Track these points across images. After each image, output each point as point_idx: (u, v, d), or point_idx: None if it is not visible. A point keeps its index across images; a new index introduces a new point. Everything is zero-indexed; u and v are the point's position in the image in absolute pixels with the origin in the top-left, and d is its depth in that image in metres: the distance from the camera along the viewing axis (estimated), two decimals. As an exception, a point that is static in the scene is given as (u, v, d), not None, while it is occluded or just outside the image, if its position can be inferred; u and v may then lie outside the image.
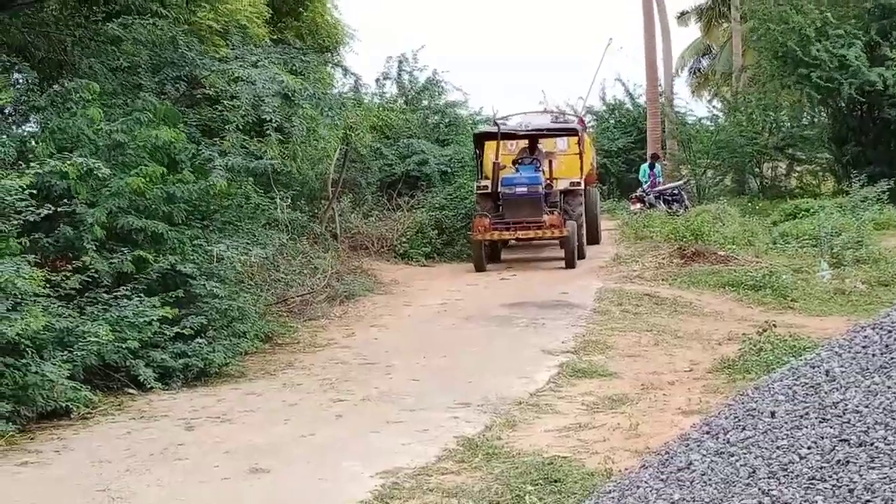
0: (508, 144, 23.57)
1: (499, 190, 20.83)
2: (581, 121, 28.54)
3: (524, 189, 20.54)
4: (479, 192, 21.80)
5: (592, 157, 26.93)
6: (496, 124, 23.52)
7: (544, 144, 23.55)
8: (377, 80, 28.28)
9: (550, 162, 22.35)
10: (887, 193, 24.74)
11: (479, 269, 20.14)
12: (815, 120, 34.53)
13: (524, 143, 23.53)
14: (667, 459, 5.47)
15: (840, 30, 28.68)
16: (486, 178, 22.12)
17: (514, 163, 22.00)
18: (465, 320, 14.40)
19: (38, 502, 6.82)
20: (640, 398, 9.33)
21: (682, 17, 50.06)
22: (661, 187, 31.44)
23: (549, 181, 21.48)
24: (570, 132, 24.16)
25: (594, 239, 23.95)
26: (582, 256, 20.92)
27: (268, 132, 12.58)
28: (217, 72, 13.21)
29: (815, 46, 28.47)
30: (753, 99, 34.93)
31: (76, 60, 12.30)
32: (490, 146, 22.78)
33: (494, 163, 21.45)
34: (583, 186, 22.54)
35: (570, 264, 20.00)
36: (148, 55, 13.06)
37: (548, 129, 23.89)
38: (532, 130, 23.14)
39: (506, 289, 17.81)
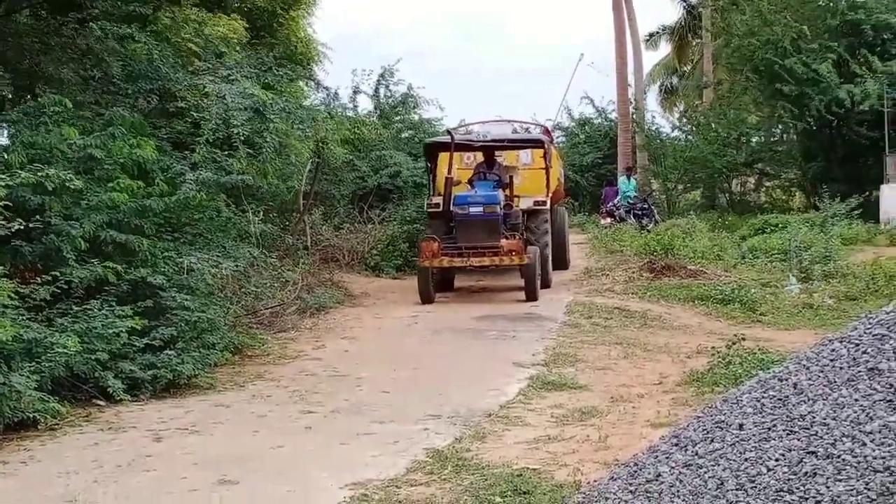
0: (465, 157, 21.04)
1: (451, 209, 18.18)
2: (547, 131, 25.53)
3: (479, 209, 17.87)
4: (429, 210, 19.50)
5: (560, 173, 24.28)
6: (449, 133, 20.16)
7: (505, 157, 21.00)
8: (351, 94, 28.17)
9: (511, 178, 19.68)
10: (856, 209, 24.90)
11: (426, 300, 17.44)
12: (785, 136, 34.69)
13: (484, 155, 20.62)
14: (635, 471, 5.47)
15: (814, 44, 28.84)
16: (440, 194, 19.33)
17: (470, 179, 19.41)
18: (436, 333, 14.38)
19: (4, 514, 6.76)
20: (609, 411, 9.33)
21: (651, 39, 50.14)
22: (611, 203, 31.64)
23: (509, 200, 18.96)
24: (535, 144, 21.08)
25: (562, 264, 21.47)
26: (546, 285, 18.45)
27: (235, 144, 12.53)
28: (189, 86, 13.18)
29: (791, 59, 28.60)
30: (723, 114, 35.03)
31: (49, 70, 12.23)
32: (444, 158, 19.96)
33: (447, 178, 18.76)
34: (549, 206, 19.94)
35: (530, 296, 17.31)
36: (121, 66, 13.01)
37: (509, 140, 20.66)
38: (490, 141, 19.94)
39: (476, 302, 17.87)
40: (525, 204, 19.45)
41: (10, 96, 11.78)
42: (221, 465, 7.72)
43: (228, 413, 9.66)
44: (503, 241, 17.50)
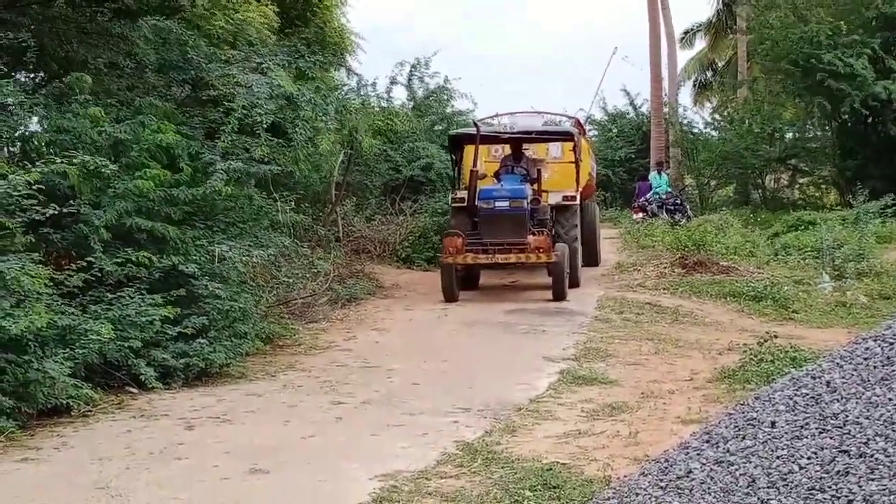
0: (492, 150, 20.59)
1: (476, 204, 17.41)
2: (578, 123, 23.89)
3: (505, 203, 17.19)
4: (454, 204, 18.53)
5: (592, 167, 23.12)
6: (475, 125, 19.20)
7: (535, 150, 20.44)
8: (387, 86, 28.05)
9: (539, 171, 18.93)
10: (892, 208, 24.70)
11: (449, 298, 16.84)
12: (819, 133, 34.41)
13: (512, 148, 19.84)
14: (666, 467, 5.47)
15: (849, 39, 28.56)
16: (465, 188, 18.43)
17: (496, 172, 18.75)
18: (466, 326, 14.41)
19: (37, 499, 6.80)
20: (639, 406, 9.32)
21: (686, 36, 49.84)
22: (643, 198, 31.49)
23: (537, 194, 18.12)
24: (565, 136, 20.20)
25: (593, 261, 20.77)
26: (575, 284, 17.67)
27: (258, 132, 12.54)
28: (221, 76, 13.22)
29: (829, 54, 28.34)
30: (757, 109, 34.81)
31: (83, 59, 12.30)
32: (470, 151, 18.71)
33: (472, 171, 17.86)
34: (578, 201, 18.93)
35: (558, 296, 16.63)
36: (155, 56, 13.06)
37: (537, 133, 19.64)
38: (518, 133, 19.38)
39: (507, 295, 17.85)
40: (554, 199, 18.60)
41: (44, 83, 11.83)
42: (252, 454, 7.77)
43: (260, 402, 9.71)
44: (530, 238, 16.79)
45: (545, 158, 20.60)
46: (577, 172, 19.31)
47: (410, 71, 28.68)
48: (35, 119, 11.03)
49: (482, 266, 17.93)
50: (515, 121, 21.36)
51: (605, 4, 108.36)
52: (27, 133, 10.98)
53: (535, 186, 18.38)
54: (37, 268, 8.75)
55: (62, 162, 9.72)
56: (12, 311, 8.33)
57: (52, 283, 9.16)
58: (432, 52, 30.02)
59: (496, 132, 19.80)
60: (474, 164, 17.81)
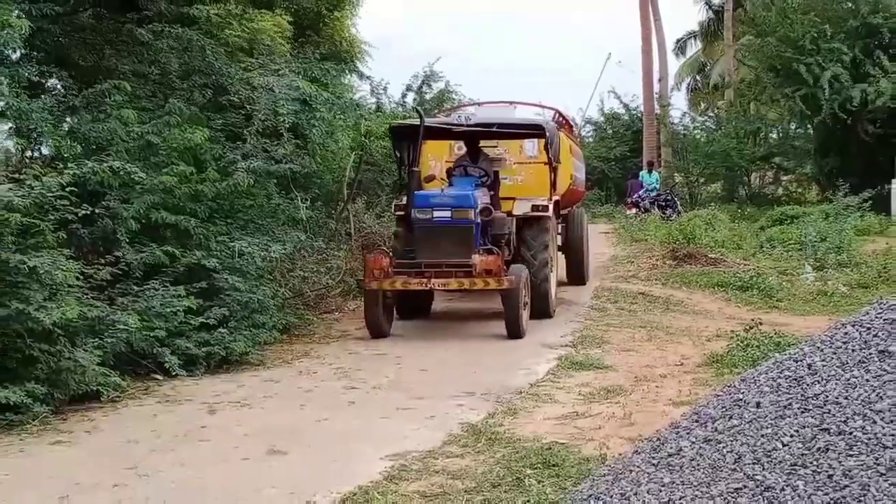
0: (455, 147, 15.51)
1: (411, 212, 13.02)
2: (561, 116, 18.61)
3: (446, 214, 12.74)
4: (397, 213, 14.56)
5: (576, 167, 17.60)
6: (418, 113, 15.51)
7: (508, 148, 15.63)
8: (402, 91, 27.94)
9: (496, 173, 14.32)
10: (869, 202, 24.73)
11: (375, 333, 12.60)
12: (802, 132, 34.39)
13: (492, 145, 15.25)
14: (658, 446, 5.48)
15: (833, 44, 28.50)
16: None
17: (448, 174, 14.50)
18: (471, 315, 14.41)
19: (70, 479, 6.82)
20: (633, 389, 9.36)
21: (678, 44, 49.91)
22: (636, 194, 31.58)
23: (487, 203, 13.38)
24: (532, 131, 14.73)
25: (578, 278, 17.28)
26: (545, 314, 13.54)
27: (281, 132, 12.56)
28: (241, 80, 13.24)
29: (808, 61, 28.26)
30: (743, 110, 34.85)
31: (111, 65, 12.33)
32: (429, 146, 15.16)
33: (410, 171, 13.68)
34: (552, 212, 14.25)
35: (512, 332, 12.39)
36: (178, 63, 13.09)
37: (498, 125, 14.30)
38: (472, 125, 14.21)
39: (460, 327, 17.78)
40: (521, 209, 14.08)
41: (74, 91, 11.85)
42: (271, 436, 7.80)
43: (277, 388, 9.74)
44: (475, 258, 12.29)
45: (515, 158, 15.72)
46: (553, 176, 14.42)
47: (423, 80, 28.66)
48: (68, 122, 11.06)
49: (416, 292, 13.22)
50: (483, 112, 16.82)
51: (600, 14, 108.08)
52: (61, 136, 11.00)
53: (492, 193, 14.01)
54: (68, 263, 8.77)
55: (93, 166, 9.77)
56: (45, 304, 8.35)
57: (82, 277, 9.18)
58: (435, 59, 29.85)
59: (446, 124, 14.83)
60: (415, 163, 13.75)
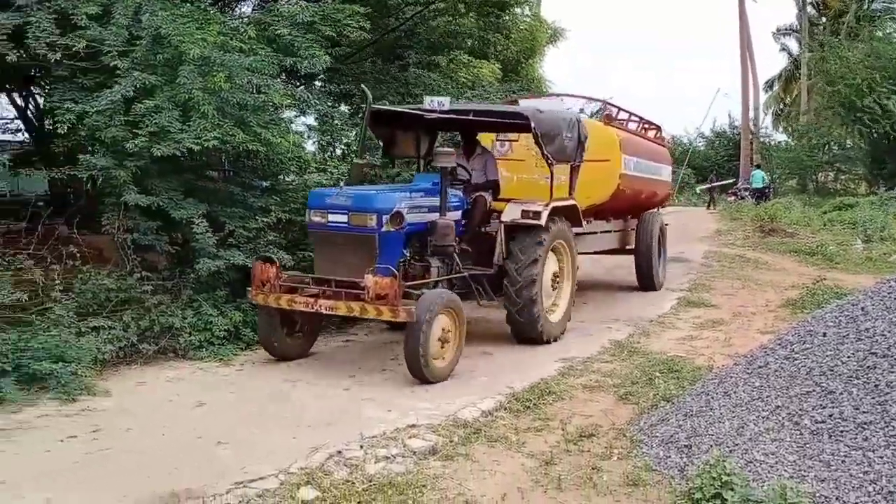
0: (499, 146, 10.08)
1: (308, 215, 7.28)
2: (608, 107, 11.94)
3: (342, 218, 6.90)
4: None
5: (636, 168, 10.65)
6: (364, 93, 8.08)
7: (524, 143, 9.55)
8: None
9: (494, 171, 8.74)
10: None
11: (272, 352, 7.15)
12: (857, 147, 32.63)
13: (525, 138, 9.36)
14: (751, 360, 5.48)
15: (883, 87, 26.84)
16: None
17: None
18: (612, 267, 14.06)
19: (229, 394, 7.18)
20: (732, 322, 9.24)
21: (767, 82, 47.87)
22: (710, 185, 31.54)
23: (417, 207, 7.30)
24: (517, 121, 8.29)
25: (648, 284, 11.47)
26: (537, 341, 7.90)
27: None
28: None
29: (867, 98, 26.75)
30: (812, 130, 33.66)
31: (379, 96, 12.67)
32: (400, 138, 8.94)
33: (354, 163, 8.24)
34: (544, 220, 7.83)
35: (415, 373, 6.39)
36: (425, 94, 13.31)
37: (475, 112, 8.21)
38: (446, 112, 7.69)
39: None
40: (510, 214, 7.89)
41: (358, 110, 12.16)
42: (481, 345, 7.94)
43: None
44: (368, 280, 6.45)
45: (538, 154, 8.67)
46: (573, 176, 8.59)
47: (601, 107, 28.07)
48: (352, 134, 11.33)
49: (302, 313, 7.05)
50: (531, 104, 10.54)
51: (712, 61, 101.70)
52: (345, 143, 11.37)
53: (485, 192, 8.40)
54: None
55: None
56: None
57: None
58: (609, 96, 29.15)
59: (418, 109, 7.92)
60: (361, 154, 8.57)
